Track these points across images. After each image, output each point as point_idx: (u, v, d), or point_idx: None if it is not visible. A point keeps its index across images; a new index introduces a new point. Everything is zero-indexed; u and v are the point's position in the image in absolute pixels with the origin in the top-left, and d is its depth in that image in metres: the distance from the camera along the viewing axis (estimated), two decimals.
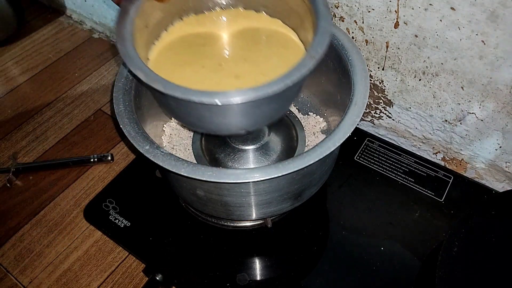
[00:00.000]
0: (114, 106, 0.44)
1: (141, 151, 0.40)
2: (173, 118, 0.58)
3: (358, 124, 0.40)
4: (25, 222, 0.59)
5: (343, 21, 0.55)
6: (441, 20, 0.46)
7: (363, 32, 0.54)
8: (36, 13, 0.92)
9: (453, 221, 0.54)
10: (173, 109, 0.40)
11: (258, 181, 0.37)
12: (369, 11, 0.51)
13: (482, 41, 0.45)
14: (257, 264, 0.52)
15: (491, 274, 0.42)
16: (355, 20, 0.54)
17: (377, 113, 0.63)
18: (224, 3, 0.48)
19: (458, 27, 0.46)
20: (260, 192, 0.43)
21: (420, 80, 0.54)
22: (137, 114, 0.44)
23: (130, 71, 0.35)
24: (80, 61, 0.82)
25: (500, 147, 0.54)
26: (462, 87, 0.51)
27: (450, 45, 0.48)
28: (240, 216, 0.47)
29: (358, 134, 0.63)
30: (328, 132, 0.56)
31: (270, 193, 0.43)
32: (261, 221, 0.53)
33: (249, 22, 0.49)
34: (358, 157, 0.60)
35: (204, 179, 0.37)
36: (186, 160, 0.39)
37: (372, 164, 0.60)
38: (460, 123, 0.55)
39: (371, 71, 0.58)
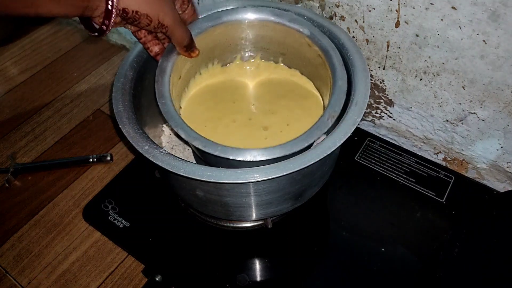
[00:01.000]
0: (113, 106, 0.43)
1: (140, 151, 0.39)
2: None
3: (358, 124, 0.40)
4: (24, 223, 0.58)
5: (343, 20, 0.55)
6: (442, 20, 0.46)
7: (363, 31, 0.54)
8: None
9: (454, 222, 0.53)
10: (208, 160, 0.46)
11: (258, 181, 0.37)
12: (370, 10, 0.51)
13: (483, 41, 0.45)
14: (257, 265, 0.52)
15: (492, 274, 0.42)
16: (355, 20, 0.54)
17: (378, 113, 0.63)
18: (246, 55, 0.55)
19: (459, 27, 0.46)
20: (260, 193, 0.43)
21: (421, 79, 0.54)
22: (136, 114, 0.43)
23: (171, 129, 0.42)
24: (79, 60, 0.82)
25: (502, 147, 0.54)
26: (463, 87, 0.51)
27: (451, 45, 0.48)
28: (240, 216, 0.47)
29: (359, 134, 0.63)
30: (328, 132, 0.55)
31: (270, 193, 0.43)
32: (261, 222, 0.53)
33: (270, 73, 0.55)
34: (358, 157, 0.60)
35: (203, 179, 0.37)
36: (185, 160, 0.39)
37: (373, 164, 0.59)
38: (461, 123, 0.55)
39: (371, 70, 0.58)
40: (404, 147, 0.62)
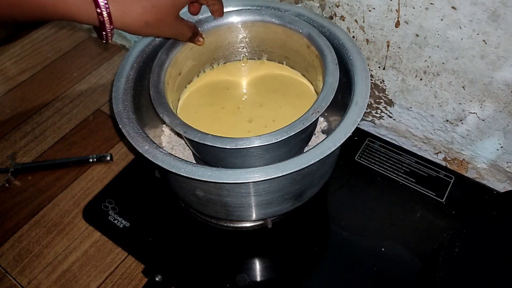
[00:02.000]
0: (113, 106, 0.43)
1: (140, 151, 0.39)
2: None
3: (359, 124, 0.40)
4: (24, 223, 0.58)
5: (343, 20, 0.55)
6: (442, 20, 0.46)
7: (363, 31, 0.54)
8: None
9: (454, 222, 0.53)
10: (196, 149, 0.48)
11: (258, 181, 0.37)
12: (370, 10, 0.51)
13: (483, 41, 0.45)
14: (257, 265, 0.52)
15: (493, 275, 0.42)
16: (355, 19, 0.54)
17: (378, 113, 0.63)
18: (250, 55, 0.56)
19: (459, 27, 0.46)
20: (260, 193, 0.43)
21: (421, 79, 0.54)
22: (136, 114, 0.43)
23: (157, 114, 0.42)
24: (79, 60, 0.82)
25: (502, 147, 0.54)
26: (463, 87, 0.51)
27: (451, 45, 0.48)
28: (240, 216, 0.47)
29: (359, 134, 0.63)
30: (328, 132, 0.55)
31: (271, 193, 0.43)
32: (261, 222, 0.53)
33: (271, 71, 0.56)
34: (358, 157, 0.60)
35: (203, 179, 0.37)
36: (185, 160, 0.39)
37: (373, 164, 0.59)
38: (461, 123, 0.55)
39: (372, 70, 0.58)
40: (404, 147, 0.62)
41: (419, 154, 0.61)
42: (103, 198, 0.58)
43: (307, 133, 0.47)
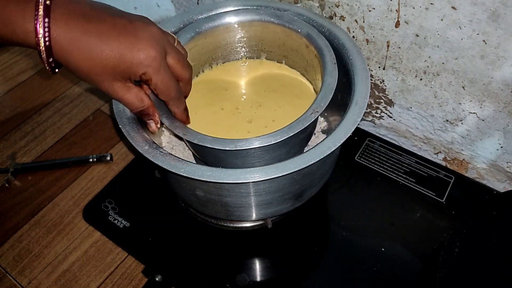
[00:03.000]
0: (113, 106, 0.43)
1: (140, 151, 0.39)
2: None
3: (358, 124, 0.40)
4: (24, 223, 0.58)
5: (343, 20, 0.55)
6: (442, 20, 0.46)
7: (363, 31, 0.54)
8: None
9: (454, 222, 0.53)
10: (196, 149, 0.48)
11: (258, 181, 0.37)
12: (370, 10, 0.51)
13: (483, 41, 0.45)
14: (257, 265, 0.52)
15: (493, 275, 0.42)
16: (355, 19, 0.54)
17: (378, 113, 0.63)
18: (249, 55, 0.56)
19: (459, 27, 0.46)
20: (260, 193, 0.43)
21: (421, 79, 0.54)
22: None
23: (166, 127, 0.44)
24: None
25: (502, 147, 0.54)
26: (463, 87, 0.51)
27: (451, 45, 0.48)
28: (240, 216, 0.47)
29: (359, 134, 0.63)
30: (328, 132, 0.55)
31: (270, 193, 0.43)
32: (261, 222, 0.53)
33: (270, 70, 0.55)
34: (358, 157, 0.60)
35: (203, 179, 0.37)
36: (185, 160, 0.39)
37: (373, 164, 0.59)
38: (461, 123, 0.55)
39: (371, 70, 0.58)
40: (404, 147, 0.62)
41: (419, 154, 0.61)
42: (103, 198, 0.58)
43: (306, 133, 0.47)
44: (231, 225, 0.54)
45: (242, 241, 0.54)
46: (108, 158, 0.64)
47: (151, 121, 0.41)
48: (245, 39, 0.54)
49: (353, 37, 0.56)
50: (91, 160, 0.64)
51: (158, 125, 0.41)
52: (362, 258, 0.51)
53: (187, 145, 0.53)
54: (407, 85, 0.56)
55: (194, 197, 0.46)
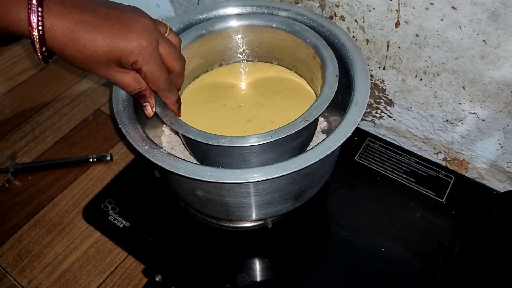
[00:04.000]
0: (113, 106, 0.43)
1: (140, 151, 0.39)
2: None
3: (358, 124, 0.40)
4: (24, 223, 0.58)
5: (343, 20, 0.55)
6: (442, 20, 0.46)
7: (363, 31, 0.54)
8: None
9: (454, 222, 0.53)
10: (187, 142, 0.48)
11: (258, 181, 0.37)
12: (370, 10, 0.51)
13: (483, 41, 0.45)
14: (257, 265, 0.52)
15: (493, 275, 0.42)
16: (355, 19, 0.54)
17: (378, 113, 0.63)
18: (243, 57, 0.56)
19: (459, 27, 0.46)
20: (260, 193, 0.43)
21: (421, 79, 0.54)
22: (136, 114, 0.43)
23: (171, 129, 0.44)
24: None
25: (502, 147, 0.54)
26: (463, 87, 0.51)
27: (451, 45, 0.48)
28: (240, 216, 0.47)
29: (359, 134, 0.63)
30: (328, 132, 0.55)
31: (271, 193, 0.43)
32: (261, 222, 0.53)
33: (280, 73, 0.56)
34: (358, 157, 0.60)
35: (203, 179, 0.37)
36: (185, 160, 0.39)
37: (373, 164, 0.59)
38: (462, 123, 0.55)
39: (372, 70, 0.58)
40: (404, 147, 0.62)
41: (419, 154, 0.61)
42: (103, 198, 0.58)
43: (298, 142, 0.45)
44: (231, 225, 0.54)
45: (242, 241, 0.54)
46: (108, 158, 0.64)
47: (147, 103, 0.42)
48: (255, 45, 0.54)
49: (353, 37, 0.56)
50: (91, 160, 0.64)
51: (154, 109, 0.42)
52: (362, 258, 0.51)
53: (182, 142, 0.53)
54: (407, 85, 0.56)
55: (194, 197, 0.46)
